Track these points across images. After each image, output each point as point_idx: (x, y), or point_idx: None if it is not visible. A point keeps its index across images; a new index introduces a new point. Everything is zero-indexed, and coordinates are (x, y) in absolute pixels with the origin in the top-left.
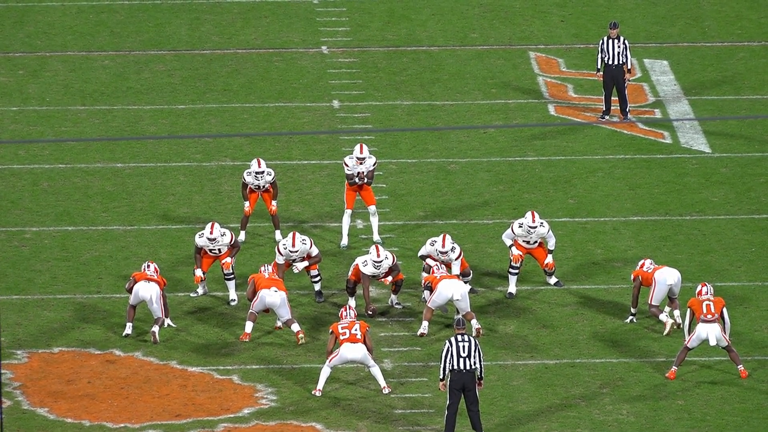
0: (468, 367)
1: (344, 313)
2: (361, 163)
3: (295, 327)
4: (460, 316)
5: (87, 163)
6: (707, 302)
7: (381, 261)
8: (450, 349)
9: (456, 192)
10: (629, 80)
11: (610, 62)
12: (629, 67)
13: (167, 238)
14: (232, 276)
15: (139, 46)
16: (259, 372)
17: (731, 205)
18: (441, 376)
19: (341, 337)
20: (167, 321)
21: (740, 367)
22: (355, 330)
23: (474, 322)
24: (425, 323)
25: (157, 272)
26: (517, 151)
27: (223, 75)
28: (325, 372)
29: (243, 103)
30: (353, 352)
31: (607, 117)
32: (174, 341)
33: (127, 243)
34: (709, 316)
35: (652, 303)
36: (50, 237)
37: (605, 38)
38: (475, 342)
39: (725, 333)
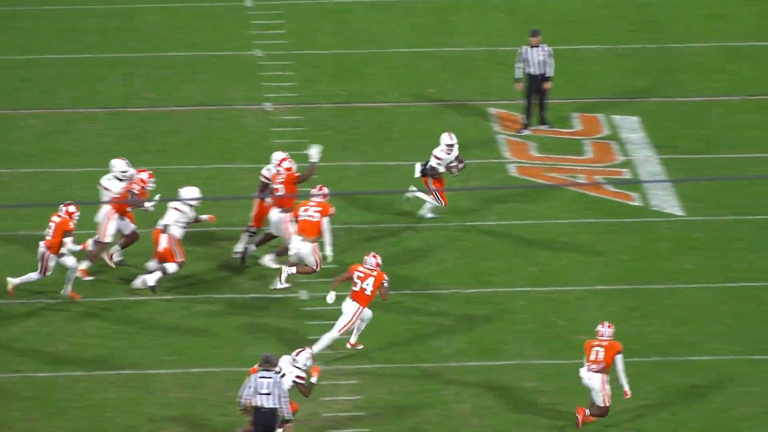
0: (270, 405)
1: (367, 258)
2: (450, 152)
3: None
4: (268, 354)
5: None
6: (597, 349)
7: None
8: (249, 384)
9: (414, 258)
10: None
11: (533, 71)
12: (550, 75)
13: None
14: None
15: (69, 104)
16: None
17: (705, 272)
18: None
19: (353, 288)
20: None
21: (587, 412)
22: (367, 284)
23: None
24: None
25: None
26: (477, 215)
27: (159, 134)
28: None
29: (182, 165)
30: (347, 307)
31: (527, 131)
32: None
33: None
34: (594, 366)
35: None
36: None
37: (526, 47)
38: (279, 380)
39: (623, 381)
